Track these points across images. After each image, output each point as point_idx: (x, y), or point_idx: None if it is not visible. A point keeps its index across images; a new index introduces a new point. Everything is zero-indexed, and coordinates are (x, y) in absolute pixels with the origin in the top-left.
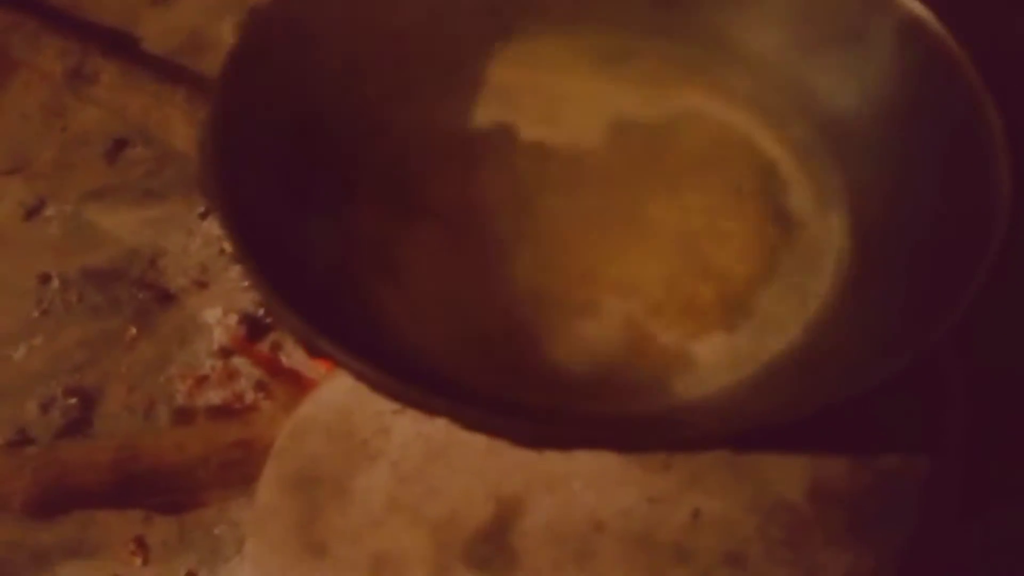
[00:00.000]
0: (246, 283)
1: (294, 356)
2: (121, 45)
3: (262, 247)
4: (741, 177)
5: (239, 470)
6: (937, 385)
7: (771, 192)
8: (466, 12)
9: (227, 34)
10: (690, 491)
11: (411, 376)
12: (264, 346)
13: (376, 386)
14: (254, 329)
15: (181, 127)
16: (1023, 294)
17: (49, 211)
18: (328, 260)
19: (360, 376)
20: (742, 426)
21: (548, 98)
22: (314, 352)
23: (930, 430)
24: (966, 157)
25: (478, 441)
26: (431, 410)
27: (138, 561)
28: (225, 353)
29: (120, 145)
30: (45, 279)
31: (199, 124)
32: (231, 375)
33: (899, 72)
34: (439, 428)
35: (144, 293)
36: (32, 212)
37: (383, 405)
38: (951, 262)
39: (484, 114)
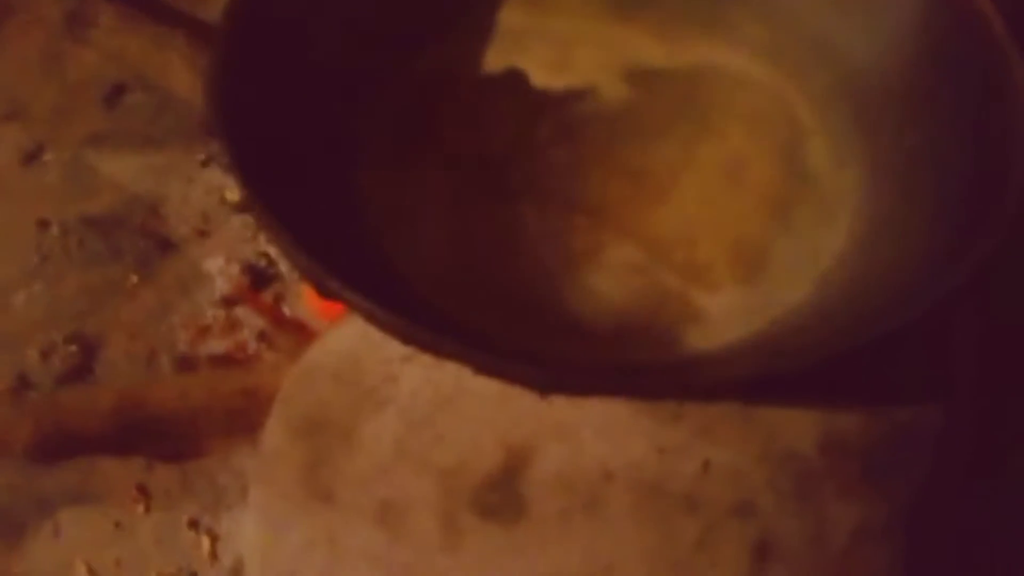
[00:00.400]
0: (250, 232)
1: (297, 307)
2: None
3: (269, 187)
4: (758, 129)
5: (242, 419)
6: (950, 338)
7: (788, 145)
8: None
9: None
10: (700, 442)
11: (421, 320)
12: (268, 296)
13: (386, 327)
14: (257, 279)
15: (181, 72)
16: None
17: (48, 157)
18: (336, 204)
19: (370, 317)
20: (750, 373)
21: (559, 43)
22: (324, 293)
23: (943, 383)
24: (988, 112)
25: (488, 389)
26: (441, 352)
27: (140, 508)
28: (228, 303)
29: (119, 91)
30: (44, 225)
31: (204, 64)
32: (233, 325)
33: (922, 24)
34: (448, 376)
35: (145, 241)
36: (30, 157)
37: (392, 352)
38: (967, 217)
39: (494, 59)
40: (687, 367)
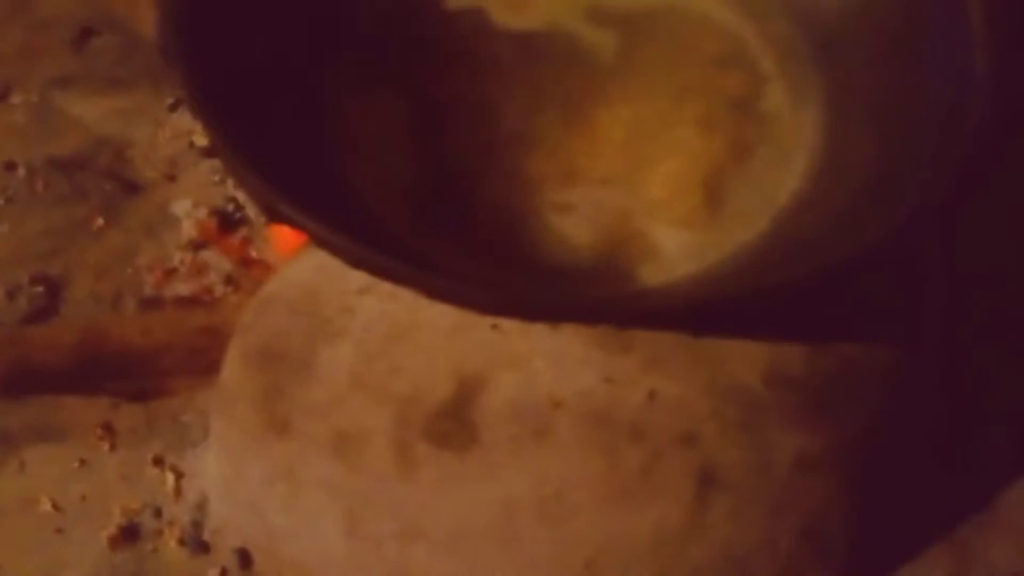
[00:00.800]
0: (218, 177)
1: (265, 250)
2: None
3: (224, 109)
4: (718, 71)
5: (205, 357)
6: (916, 284)
7: (749, 86)
8: None
9: None
10: (648, 373)
11: (377, 246)
12: (235, 240)
13: (336, 250)
14: (225, 222)
15: (149, 13)
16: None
17: (15, 98)
18: (297, 132)
19: (320, 240)
20: (692, 301)
21: None
22: (273, 216)
23: (900, 325)
24: (947, 55)
25: (442, 320)
26: (392, 275)
27: (105, 446)
28: (195, 246)
29: (87, 32)
30: (10, 167)
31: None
32: (200, 269)
33: None
34: (403, 308)
35: (111, 183)
36: None
37: (349, 284)
38: (921, 159)
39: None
40: (632, 295)
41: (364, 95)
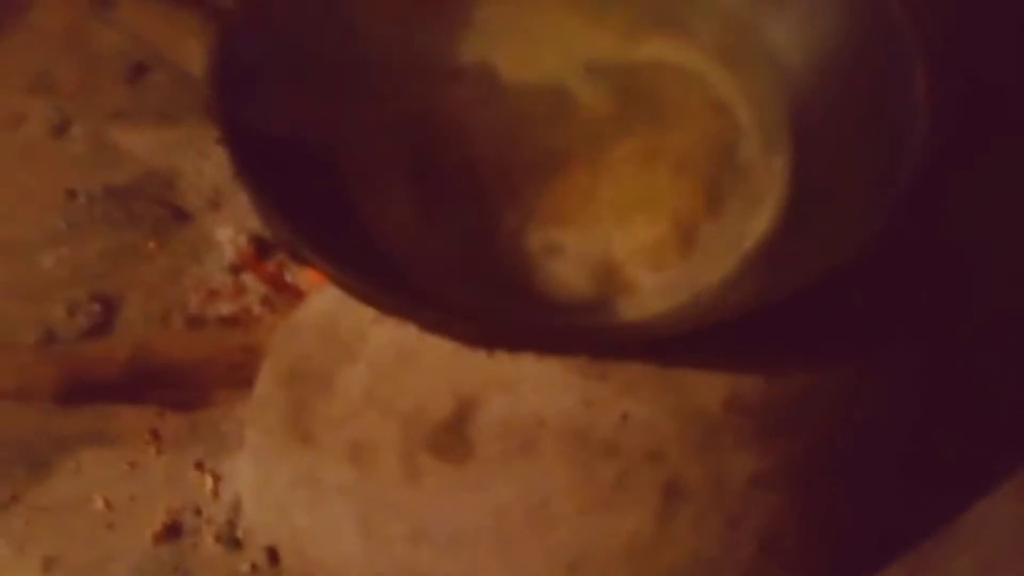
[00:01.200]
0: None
1: (297, 274)
2: None
3: (260, 165)
4: (700, 123)
5: (243, 372)
6: (861, 312)
7: (725, 136)
8: None
9: None
10: (621, 397)
11: (382, 283)
12: (271, 264)
13: (350, 290)
14: (262, 248)
15: (197, 53)
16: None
17: (75, 131)
18: (317, 179)
19: (335, 281)
20: (660, 336)
21: (527, 39)
22: (300, 260)
23: (849, 358)
24: (896, 108)
25: (442, 347)
26: (400, 313)
27: (152, 450)
28: (235, 269)
29: (140, 69)
30: (71, 194)
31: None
32: (240, 290)
33: (847, 29)
34: (410, 335)
35: (162, 210)
36: (59, 130)
37: (363, 315)
38: (868, 202)
39: (468, 51)
40: (607, 330)
41: (376, 142)
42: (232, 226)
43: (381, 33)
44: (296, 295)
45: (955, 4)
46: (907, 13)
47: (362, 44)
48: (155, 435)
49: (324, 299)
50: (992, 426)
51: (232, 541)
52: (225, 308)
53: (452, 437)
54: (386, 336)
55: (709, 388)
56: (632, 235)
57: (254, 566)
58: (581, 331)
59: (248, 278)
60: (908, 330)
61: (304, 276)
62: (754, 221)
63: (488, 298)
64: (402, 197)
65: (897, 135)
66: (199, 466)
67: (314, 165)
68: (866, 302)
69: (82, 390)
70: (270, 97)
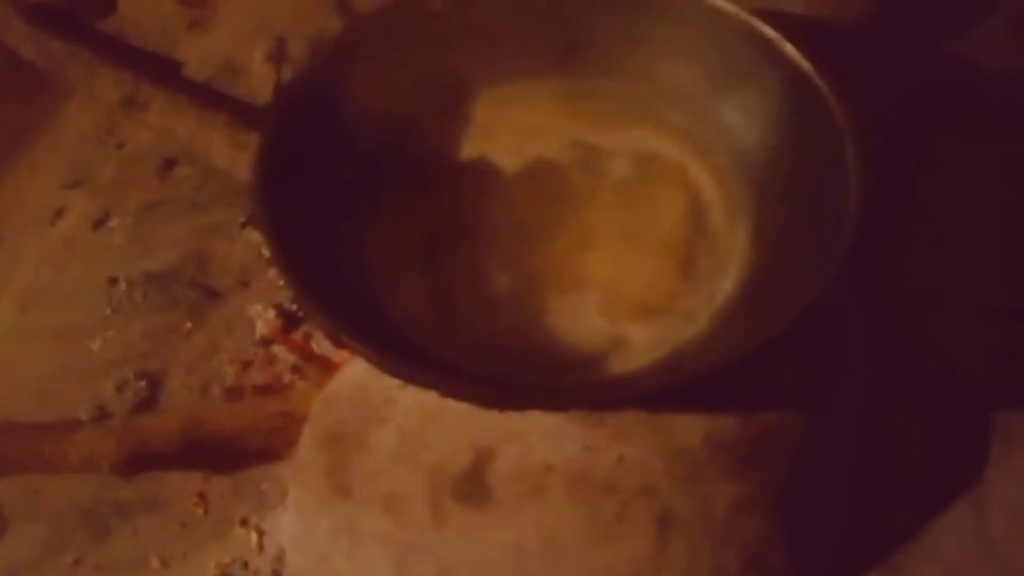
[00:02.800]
0: (281, 283)
1: (323, 344)
2: (167, 72)
3: (297, 262)
4: (670, 199)
5: (281, 436)
6: (821, 361)
7: (695, 209)
8: (460, 68)
9: (258, 62)
10: (616, 441)
11: (405, 357)
12: (298, 335)
13: (380, 368)
14: (289, 321)
15: (222, 148)
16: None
17: (113, 222)
18: (345, 268)
19: (369, 361)
20: (640, 392)
21: (519, 132)
22: (336, 343)
23: (809, 398)
24: (835, 180)
25: (461, 407)
26: (420, 383)
27: (201, 511)
28: (266, 342)
29: (170, 164)
30: (113, 281)
31: (250, 162)
32: (271, 360)
33: (790, 114)
34: (432, 398)
35: (196, 292)
36: (98, 223)
37: (390, 381)
38: (815, 268)
39: (469, 146)
40: (598, 388)
41: (394, 229)
42: (261, 302)
43: (403, 133)
44: (323, 362)
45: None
46: (837, 94)
47: (389, 143)
48: (202, 497)
49: (354, 371)
50: (933, 454)
51: None
52: (259, 377)
53: (472, 484)
54: (411, 399)
55: (691, 428)
56: (618, 298)
57: None
58: (579, 389)
59: (278, 349)
60: (851, 378)
61: (329, 346)
62: (723, 281)
63: (497, 362)
64: (416, 277)
65: (837, 203)
66: (244, 523)
67: (341, 253)
68: (817, 353)
69: (138, 461)
70: (306, 191)
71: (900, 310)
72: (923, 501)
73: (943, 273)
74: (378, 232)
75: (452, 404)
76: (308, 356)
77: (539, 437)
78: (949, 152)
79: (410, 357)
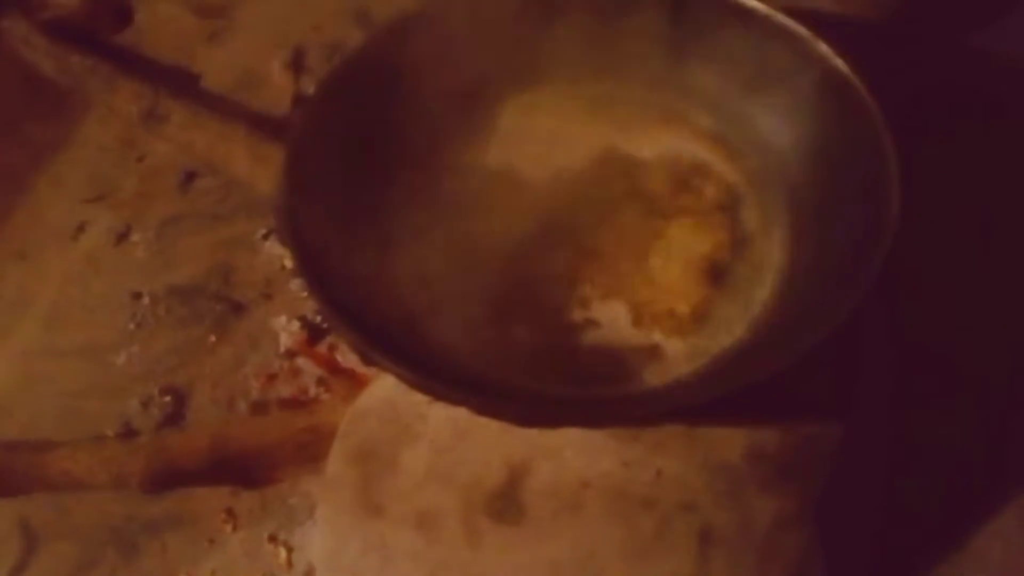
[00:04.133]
0: (306, 293)
1: (348, 356)
2: (186, 84)
3: (327, 278)
4: (705, 203)
5: (309, 451)
6: (855, 366)
7: (729, 215)
8: (484, 76)
9: (277, 73)
10: (654, 456)
11: (436, 374)
12: (323, 347)
13: (413, 386)
14: (313, 333)
15: (242, 159)
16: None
17: (135, 237)
18: (378, 280)
19: (401, 379)
20: (678, 406)
21: (545, 141)
22: (368, 363)
23: (844, 404)
24: (871, 184)
25: (493, 423)
26: (451, 400)
27: (229, 527)
28: (290, 354)
29: (190, 176)
30: (137, 296)
31: (272, 174)
32: (296, 373)
33: (824, 115)
34: (464, 413)
35: (220, 305)
36: (121, 238)
37: (420, 397)
38: (854, 268)
39: (496, 156)
40: (635, 402)
41: (420, 242)
42: (285, 314)
43: (427, 143)
44: (349, 375)
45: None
46: (874, 94)
47: (412, 154)
48: (230, 513)
49: (384, 386)
50: (976, 459)
51: None
52: (284, 391)
53: (507, 502)
54: (442, 415)
55: (730, 441)
56: (652, 307)
57: None
58: (618, 404)
59: (303, 361)
60: (874, 382)
61: (354, 358)
62: (759, 289)
63: (528, 375)
64: (443, 290)
65: (876, 205)
66: (272, 539)
67: (368, 269)
68: (842, 358)
69: (166, 478)
70: (331, 204)
71: (921, 310)
72: (968, 508)
73: (962, 272)
74: (403, 244)
75: (484, 419)
76: (333, 369)
77: (574, 452)
78: (967, 149)
79: (442, 374)
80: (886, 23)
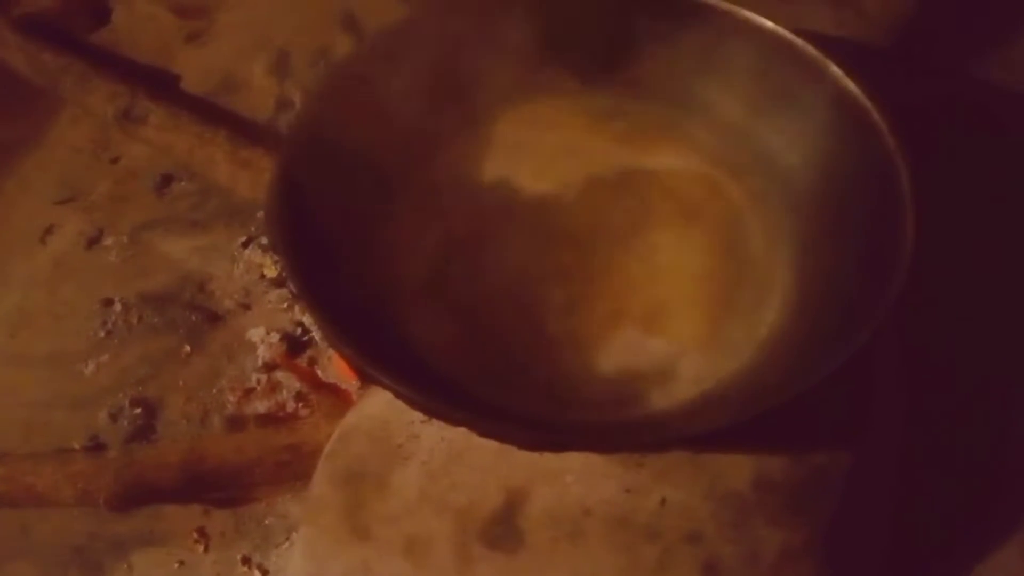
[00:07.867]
0: (285, 304)
1: (329, 370)
2: (163, 85)
3: (321, 291)
4: (710, 222)
5: (288, 470)
6: (860, 397)
7: (733, 235)
8: (481, 86)
9: (259, 76)
10: (659, 483)
11: (436, 392)
12: (303, 361)
13: (412, 404)
14: (294, 346)
15: (222, 164)
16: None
17: (107, 241)
18: (370, 298)
19: (399, 396)
20: (677, 437)
21: (544, 154)
22: (364, 379)
23: (853, 433)
24: (883, 204)
25: (490, 444)
26: (454, 421)
27: (200, 548)
28: (269, 368)
29: (167, 180)
30: (108, 303)
31: (256, 181)
32: (274, 387)
33: (833, 135)
34: (459, 434)
35: (195, 314)
36: (92, 241)
37: (414, 416)
38: (867, 293)
39: (493, 169)
40: (642, 427)
41: (415, 256)
42: (263, 325)
43: (423, 154)
44: (331, 391)
45: None
46: (886, 116)
47: (408, 165)
48: (202, 533)
49: (374, 403)
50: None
51: None
52: (261, 406)
53: (503, 528)
54: (436, 435)
55: (737, 471)
56: (656, 328)
57: None
58: (627, 429)
59: (282, 375)
60: (887, 408)
61: (335, 371)
62: (765, 311)
63: (528, 397)
64: (439, 306)
65: (890, 229)
66: (246, 561)
67: (363, 283)
68: (854, 384)
69: (134, 495)
70: (325, 224)
71: (931, 330)
72: (970, 539)
73: (968, 290)
74: (398, 259)
75: (480, 440)
76: (315, 384)
77: (575, 477)
78: (971, 168)
79: (442, 393)
80: (887, 47)
